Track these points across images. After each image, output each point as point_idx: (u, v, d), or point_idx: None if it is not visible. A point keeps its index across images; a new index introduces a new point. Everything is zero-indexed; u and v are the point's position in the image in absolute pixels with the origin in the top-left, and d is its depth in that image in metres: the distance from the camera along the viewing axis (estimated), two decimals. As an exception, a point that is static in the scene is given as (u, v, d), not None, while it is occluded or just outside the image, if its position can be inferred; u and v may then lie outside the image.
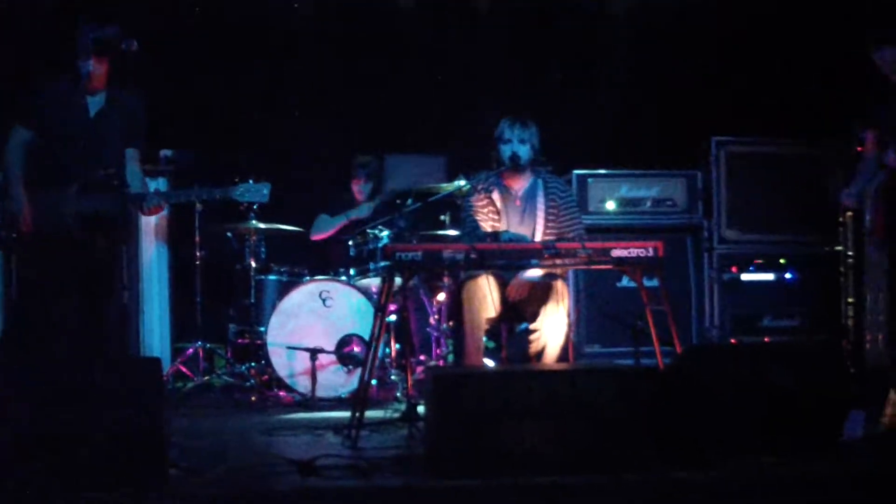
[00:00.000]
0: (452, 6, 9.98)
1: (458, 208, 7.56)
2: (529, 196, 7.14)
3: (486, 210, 7.07)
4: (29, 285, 6.52)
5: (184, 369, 8.35)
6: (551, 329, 6.73)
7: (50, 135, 6.44)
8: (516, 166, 7.01)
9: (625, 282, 8.43)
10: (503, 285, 6.90)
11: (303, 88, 9.85)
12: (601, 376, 5.31)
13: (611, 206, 8.74)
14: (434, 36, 9.92)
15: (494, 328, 7.19)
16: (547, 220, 7.06)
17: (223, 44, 9.50)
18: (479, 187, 7.13)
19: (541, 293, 6.81)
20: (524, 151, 7.02)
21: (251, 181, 6.93)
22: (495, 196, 7.09)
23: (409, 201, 7.84)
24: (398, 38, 9.89)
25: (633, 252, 6.25)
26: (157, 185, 8.40)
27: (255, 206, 8.07)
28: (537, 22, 9.94)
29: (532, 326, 6.80)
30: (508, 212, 7.09)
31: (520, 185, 7.15)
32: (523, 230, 7.00)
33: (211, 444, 6.16)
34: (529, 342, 6.82)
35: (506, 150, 7.01)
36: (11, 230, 6.35)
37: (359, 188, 9.01)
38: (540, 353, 6.75)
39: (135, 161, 6.62)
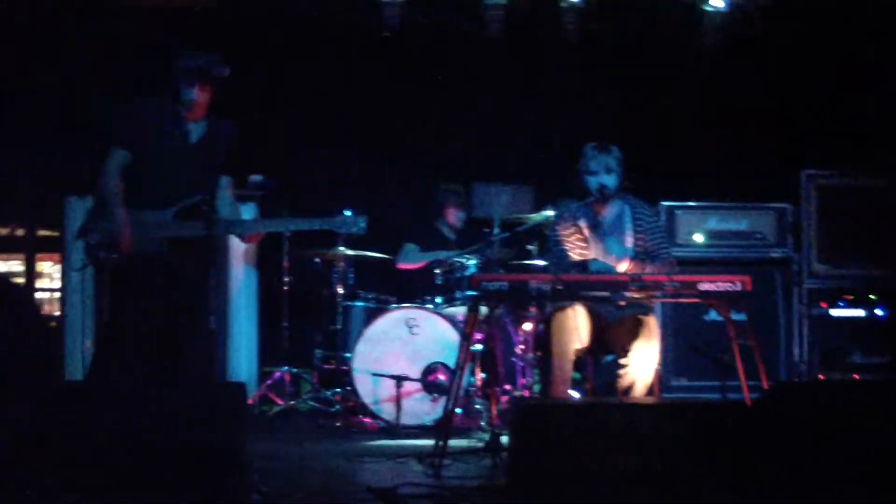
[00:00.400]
0: (541, 35, 9.99)
1: (546, 238, 7.54)
2: (616, 222, 7.08)
3: (572, 238, 7.03)
4: (121, 306, 6.58)
5: (270, 394, 8.42)
6: (641, 365, 6.68)
7: (149, 158, 6.48)
8: (605, 198, 6.97)
9: (712, 315, 8.35)
10: (593, 316, 6.87)
11: (387, 117, 9.91)
12: (686, 411, 5.27)
13: (699, 238, 8.68)
14: (520, 65, 9.93)
15: (581, 359, 7.15)
16: (636, 247, 7.01)
17: (300, 68, 9.63)
18: (566, 215, 7.10)
19: (632, 328, 6.76)
20: (611, 181, 6.96)
21: (349, 212, 6.92)
22: (582, 224, 7.05)
23: (496, 231, 7.84)
24: (484, 67, 9.91)
25: (721, 286, 6.18)
26: (246, 210, 8.47)
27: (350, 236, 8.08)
28: (622, 50, 9.92)
29: (622, 361, 6.75)
30: (596, 239, 7.05)
31: (607, 211, 7.08)
32: (611, 257, 6.96)
33: (293, 469, 6.20)
34: (618, 376, 6.77)
35: (593, 182, 6.94)
36: (111, 250, 6.41)
37: (455, 215, 9.03)
38: (628, 389, 6.69)
39: (227, 189, 6.69)
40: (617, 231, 7.06)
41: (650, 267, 6.81)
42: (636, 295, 6.27)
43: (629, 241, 6.99)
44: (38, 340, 5.34)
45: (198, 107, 6.53)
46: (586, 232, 7.03)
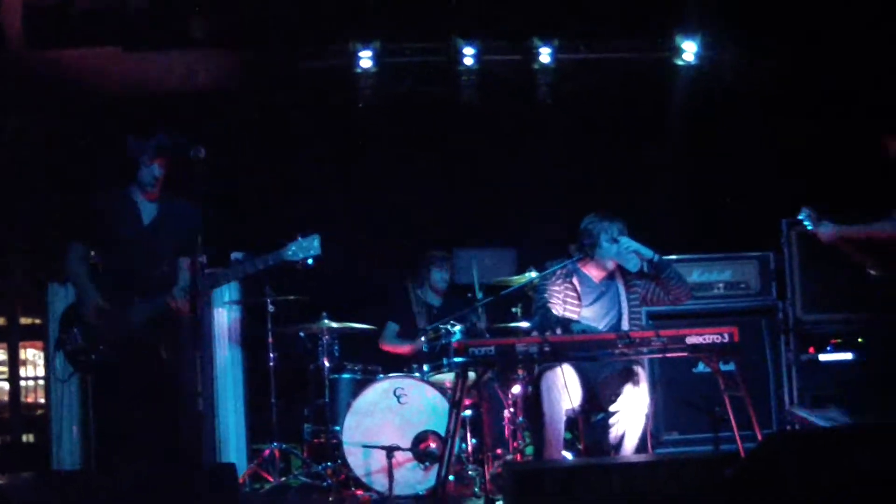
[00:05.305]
0: (517, 100, 10.05)
1: (531, 300, 7.52)
2: (609, 281, 7.15)
3: (562, 295, 7.03)
4: (109, 399, 6.53)
5: (261, 471, 8.33)
6: (631, 413, 6.66)
7: (106, 247, 6.58)
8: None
9: (701, 367, 8.33)
10: (581, 374, 6.85)
11: (371, 184, 9.93)
12: (683, 466, 5.23)
13: (683, 291, 8.68)
14: (500, 130, 9.97)
15: (571, 419, 7.11)
16: (630, 300, 7.04)
17: (277, 142, 9.69)
18: (560, 272, 7.09)
19: (620, 378, 6.75)
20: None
21: (299, 237, 6.82)
22: (575, 281, 7.06)
23: (480, 295, 7.81)
24: (465, 134, 9.96)
25: (709, 338, 6.21)
26: (230, 289, 8.45)
27: (309, 263, 7.65)
28: (599, 112, 9.97)
29: (612, 409, 6.72)
30: (589, 297, 7.07)
31: (600, 273, 7.13)
32: (603, 315, 7.00)
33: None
34: (609, 428, 6.74)
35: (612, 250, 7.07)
36: (89, 353, 6.41)
37: (439, 276, 8.98)
38: (620, 439, 6.67)
39: (186, 270, 6.62)
40: (610, 288, 7.16)
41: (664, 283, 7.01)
42: (624, 352, 6.25)
43: (623, 294, 7.03)
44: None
45: (157, 184, 6.53)
46: (579, 289, 7.04)
